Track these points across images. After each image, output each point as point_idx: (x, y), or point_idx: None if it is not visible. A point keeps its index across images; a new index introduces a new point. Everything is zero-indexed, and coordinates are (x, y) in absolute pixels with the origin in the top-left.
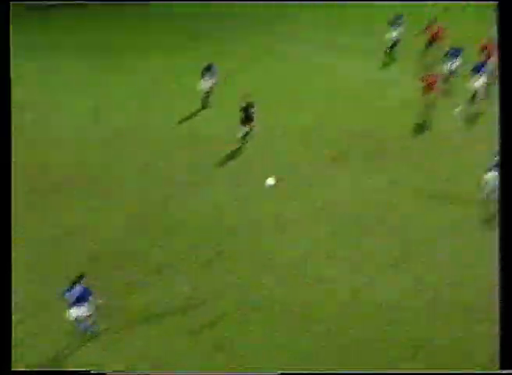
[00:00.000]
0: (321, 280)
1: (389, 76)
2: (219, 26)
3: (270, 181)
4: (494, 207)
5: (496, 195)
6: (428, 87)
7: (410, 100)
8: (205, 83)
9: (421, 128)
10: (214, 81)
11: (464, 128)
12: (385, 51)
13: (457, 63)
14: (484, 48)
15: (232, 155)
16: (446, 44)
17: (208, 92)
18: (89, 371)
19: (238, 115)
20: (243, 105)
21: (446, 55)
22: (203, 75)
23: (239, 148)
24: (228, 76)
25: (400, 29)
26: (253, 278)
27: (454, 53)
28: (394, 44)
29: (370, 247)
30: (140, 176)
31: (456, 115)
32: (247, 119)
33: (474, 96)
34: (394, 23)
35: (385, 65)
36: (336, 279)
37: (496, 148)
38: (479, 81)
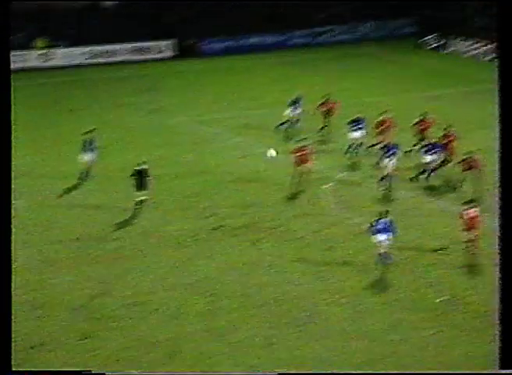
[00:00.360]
0: (204, 354)
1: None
2: (97, 98)
3: (272, 153)
4: (383, 270)
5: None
6: (301, 159)
7: (288, 174)
8: (87, 156)
9: (298, 200)
10: (95, 154)
11: (341, 200)
12: (275, 128)
13: (361, 134)
14: (380, 125)
15: (121, 226)
16: (339, 118)
17: (90, 165)
18: (89, 371)
19: (121, 186)
20: (137, 169)
21: (348, 123)
22: (84, 147)
23: (129, 218)
24: (109, 147)
25: (298, 108)
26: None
27: (357, 124)
28: (285, 122)
29: (253, 321)
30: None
31: (328, 188)
32: (141, 185)
33: (384, 177)
34: (293, 103)
35: (276, 141)
36: (216, 356)
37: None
38: (389, 161)
